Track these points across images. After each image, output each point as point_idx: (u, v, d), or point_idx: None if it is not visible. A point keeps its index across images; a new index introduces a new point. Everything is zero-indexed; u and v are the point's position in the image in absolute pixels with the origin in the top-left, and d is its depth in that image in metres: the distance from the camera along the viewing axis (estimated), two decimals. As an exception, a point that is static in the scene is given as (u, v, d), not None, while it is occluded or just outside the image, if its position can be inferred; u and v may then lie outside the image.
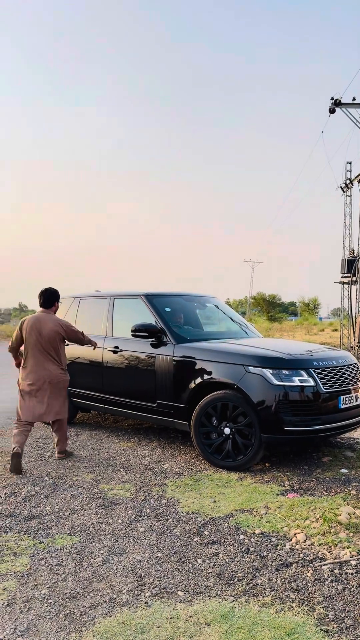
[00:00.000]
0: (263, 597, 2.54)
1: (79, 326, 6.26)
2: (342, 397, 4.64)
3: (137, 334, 5.28)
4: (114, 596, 2.56)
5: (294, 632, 2.24)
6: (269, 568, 2.83)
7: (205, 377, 4.78)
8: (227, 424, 4.60)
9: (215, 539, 3.20)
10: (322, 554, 2.97)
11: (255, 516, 3.52)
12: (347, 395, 4.71)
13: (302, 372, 4.48)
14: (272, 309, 61.29)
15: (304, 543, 3.11)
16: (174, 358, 5.08)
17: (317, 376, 4.51)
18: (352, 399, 4.77)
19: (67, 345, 6.23)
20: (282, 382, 4.40)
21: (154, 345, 5.27)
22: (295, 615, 2.38)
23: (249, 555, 2.98)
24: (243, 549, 3.05)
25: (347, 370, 4.84)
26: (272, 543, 3.13)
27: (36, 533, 3.30)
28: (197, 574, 2.78)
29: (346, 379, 4.78)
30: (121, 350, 5.65)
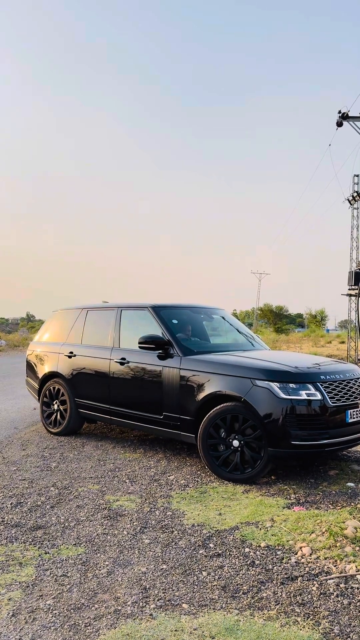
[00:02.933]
0: (268, 610, 2.53)
1: (86, 337, 6.32)
2: (349, 411, 4.62)
3: (143, 345, 5.31)
4: (119, 608, 2.56)
5: (299, 646, 2.23)
6: (275, 581, 2.82)
7: (213, 390, 4.78)
8: (236, 437, 4.60)
9: (220, 551, 3.19)
10: (328, 568, 2.96)
11: (260, 529, 3.51)
12: (355, 409, 4.70)
13: (310, 386, 4.46)
14: (279, 320, 61.21)
15: (309, 557, 3.09)
16: (181, 370, 5.11)
17: (325, 390, 4.50)
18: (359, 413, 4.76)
19: (74, 356, 6.30)
20: (289, 395, 4.39)
21: (160, 357, 5.29)
22: (301, 629, 2.37)
23: (254, 569, 2.97)
24: (248, 562, 3.04)
25: (354, 384, 4.83)
26: (277, 556, 3.12)
27: (42, 543, 3.30)
28: (202, 587, 2.77)
29: (353, 392, 4.76)
30: (128, 362, 5.67)
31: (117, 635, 2.33)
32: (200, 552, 3.19)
